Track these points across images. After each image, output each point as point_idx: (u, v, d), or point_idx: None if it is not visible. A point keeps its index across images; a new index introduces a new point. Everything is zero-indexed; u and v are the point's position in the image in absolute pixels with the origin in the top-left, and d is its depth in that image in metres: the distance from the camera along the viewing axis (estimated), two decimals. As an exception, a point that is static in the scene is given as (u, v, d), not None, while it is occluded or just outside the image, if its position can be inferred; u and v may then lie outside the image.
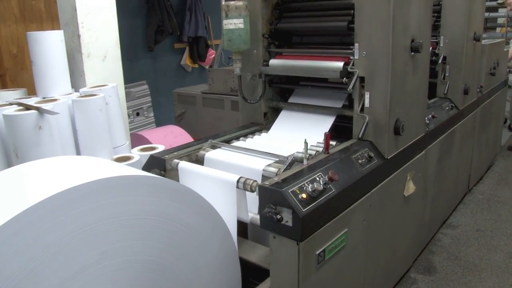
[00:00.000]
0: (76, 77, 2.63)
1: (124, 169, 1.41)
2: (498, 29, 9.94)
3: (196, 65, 6.97)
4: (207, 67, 6.97)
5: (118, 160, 2.33)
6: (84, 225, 1.21)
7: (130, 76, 5.77)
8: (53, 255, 1.15)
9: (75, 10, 2.52)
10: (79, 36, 2.55)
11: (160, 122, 5.69)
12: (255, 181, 1.80)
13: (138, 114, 5.56)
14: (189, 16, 6.68)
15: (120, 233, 1.31)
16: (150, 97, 5.76)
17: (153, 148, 2.50)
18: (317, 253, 1.77)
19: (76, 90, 2.57)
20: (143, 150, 2.51)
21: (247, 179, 1.82)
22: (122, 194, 1.30)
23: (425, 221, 3.13)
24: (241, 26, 2.40)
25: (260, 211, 1.75)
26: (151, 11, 6.17)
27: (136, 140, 3.28)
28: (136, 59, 6.09)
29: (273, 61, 2.65)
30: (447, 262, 3.14)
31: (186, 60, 6.80)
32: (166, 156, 2.17)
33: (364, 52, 2.22)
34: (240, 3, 2.40)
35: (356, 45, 2.24)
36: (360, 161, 2.11)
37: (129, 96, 5.12)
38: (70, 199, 1.18)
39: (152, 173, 2.08)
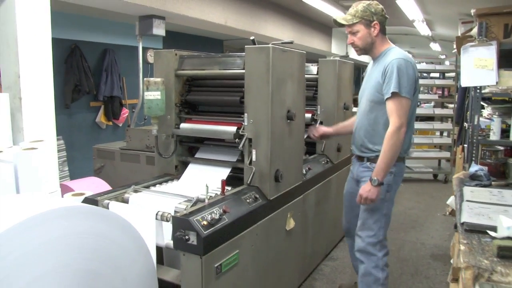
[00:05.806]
0: (15, 133, 2.98)
1: (71, 202, 1.89)
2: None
3: (110, 123, 7.20)
4: (120, 124, 7.23)
5: (75, 196, 2.69)
6: (47, 242, 1.57)
7: (47, 131, 6.00)
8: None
9: (18, 77, 2.92)
10: (20, 99, 2.93)
11: (74, 175, 5.55)
12: (170, 213, 2.36)
13: (53, 167, 5.70)
14: (105, 77, 6.96)
15: (68, 250, 1.63)
16: (66, 152, 5.96)
17: (82, 194, 2.74)
18: (215, 266, 2.30)
19: (15, 143, 2.90)
20: (73, 195, 2.75)
21: (164, 212, 2.36)
22: (71, 220, 1.67)
23: (307, 254, 3.74)
24: (158, 97, 2.93)
25: (173, 235, 2.29)
26: (69, 70, 6.41)
27: (62, 189, 3.59)
28: (53, 115, 6.32)
29: (183, 125, 3.18)
30: (326, 286, 3.81)
31: (100, 117, 7.03)
32: (98, 198, 2.61)
33: (251, 120, 2.81)
34: (158, 79, 2.96)
35: (246, 114, 2.83)
36: (248, 200, 2.69)
37: (46, 151, 5.32)
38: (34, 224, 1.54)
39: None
